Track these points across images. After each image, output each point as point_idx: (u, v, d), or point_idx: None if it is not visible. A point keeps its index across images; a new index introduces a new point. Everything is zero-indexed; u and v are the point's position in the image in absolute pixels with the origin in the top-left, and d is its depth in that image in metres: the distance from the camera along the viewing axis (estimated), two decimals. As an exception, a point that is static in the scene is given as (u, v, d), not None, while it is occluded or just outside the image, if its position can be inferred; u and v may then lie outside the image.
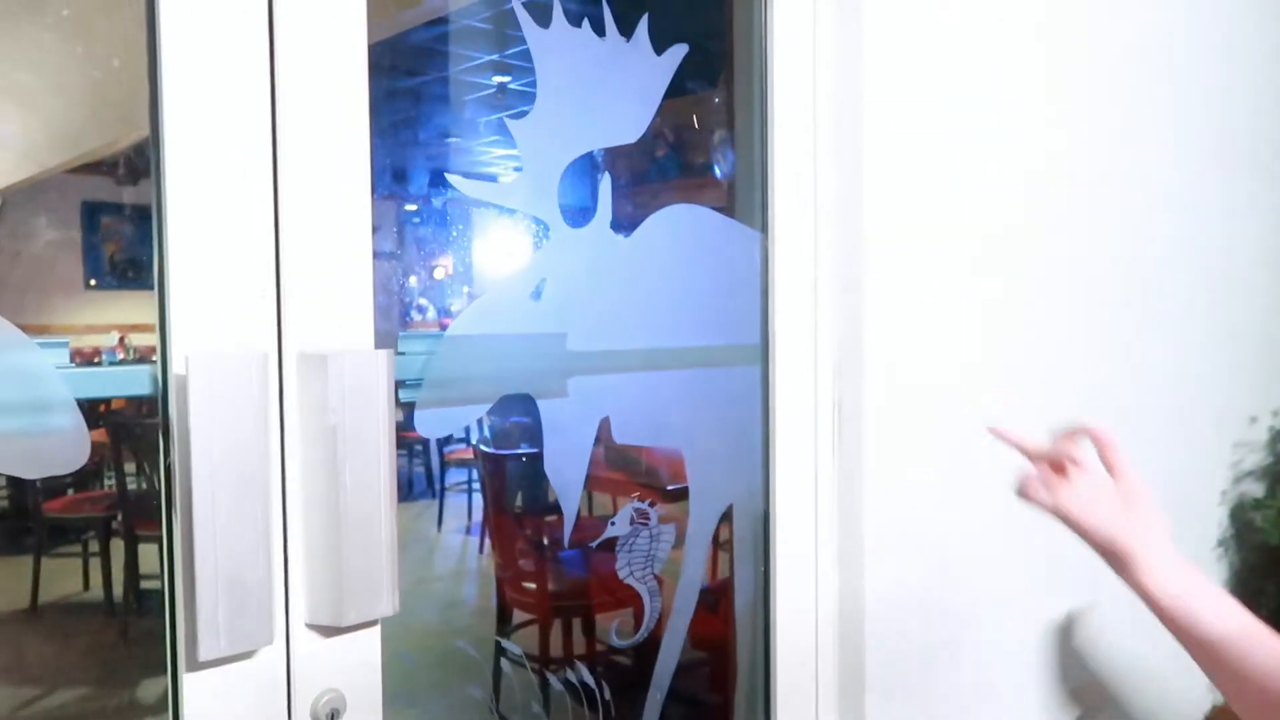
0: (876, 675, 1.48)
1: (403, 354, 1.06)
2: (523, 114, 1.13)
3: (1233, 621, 0.88)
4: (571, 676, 1.33)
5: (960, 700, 1.66)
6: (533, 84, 1.14)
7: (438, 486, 2.40)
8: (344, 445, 0.92)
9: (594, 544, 1.29)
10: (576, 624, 1.48)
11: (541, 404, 1.16)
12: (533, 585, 1.60)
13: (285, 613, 0.94)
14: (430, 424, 1.09)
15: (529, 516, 1.64)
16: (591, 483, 1.25)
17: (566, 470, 1.20)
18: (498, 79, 1.25)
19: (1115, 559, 0.94)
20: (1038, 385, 1.80)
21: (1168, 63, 2.05)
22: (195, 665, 0.88)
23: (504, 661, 1.48)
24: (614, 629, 1.34)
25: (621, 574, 1.30)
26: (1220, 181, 2.22)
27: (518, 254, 1.14)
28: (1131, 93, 1.98)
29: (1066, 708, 1.95)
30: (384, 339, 1.00)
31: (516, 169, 1.13)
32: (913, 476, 1.53)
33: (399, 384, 1.00)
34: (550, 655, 1.55)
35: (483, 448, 1.66)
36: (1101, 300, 1.95)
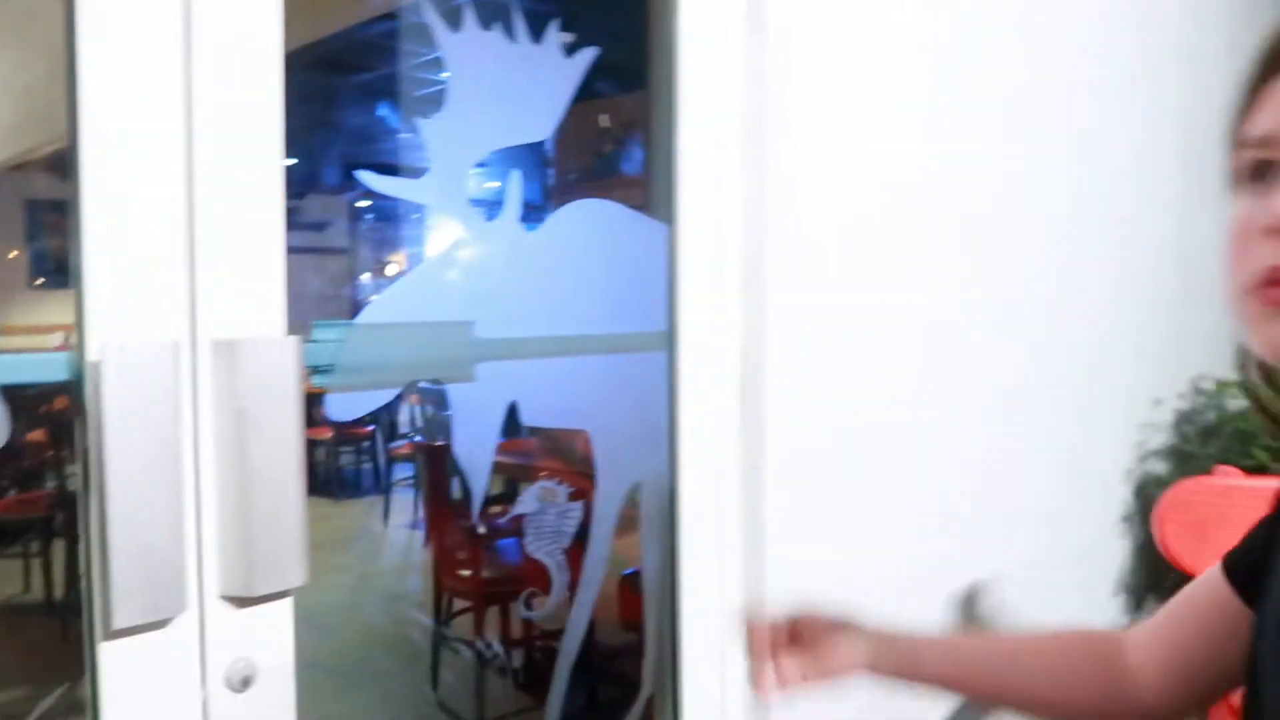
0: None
1: (316, 341, 1.12)
2: (433, 113, 1.19)
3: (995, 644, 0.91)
4: (491, 649, 1.41)
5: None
6: (444, 84, 1.20)
7: (384, 482, 2.46)
8: (253, 427, 0.98)
9: (501, 521, 1.36)
10: (499, 602, 1.56)
11: (450, 389, 1.23)
12: (462, 569, 1.67)
13: (199, 584, 1.00)
14: (340, 407, 1.16)
15: (458, 503, 1.71)
16: (506, 466, 1.32)
17: (474, 452, 1.27)
18: (413, 80, 1.31)
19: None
20: (943, 370, 1.89)
21: (1077, 56, 2.14)
22: (110, 634, 0.94)
23: (443, 644, 1.56)
24: (521, 601, 1.42)
25: (530, 550, 1.38)
26: (1129, 172, 2.33)
27: (427, 246, 1.21)
28: (1040, 86, 2.07)
29: (969, 674, 2.06)
30: (298, 327, 1.06)
31: (427, 166, 1.19)
32: (815, 457, 1.62)
33: (312, 370, 1.07)
34: (475, 632, 1.62)
35: (417, 439, 1.73)
36: (1009, 288, 2.04)
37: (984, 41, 1.92)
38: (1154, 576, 2.57)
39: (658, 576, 1.52)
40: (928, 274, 1.82)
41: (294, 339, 1.01)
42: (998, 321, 2.04)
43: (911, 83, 1.74)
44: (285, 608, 1.06)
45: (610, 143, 1.55)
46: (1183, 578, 2.50)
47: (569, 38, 1.40)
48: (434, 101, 1.18)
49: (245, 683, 1.03)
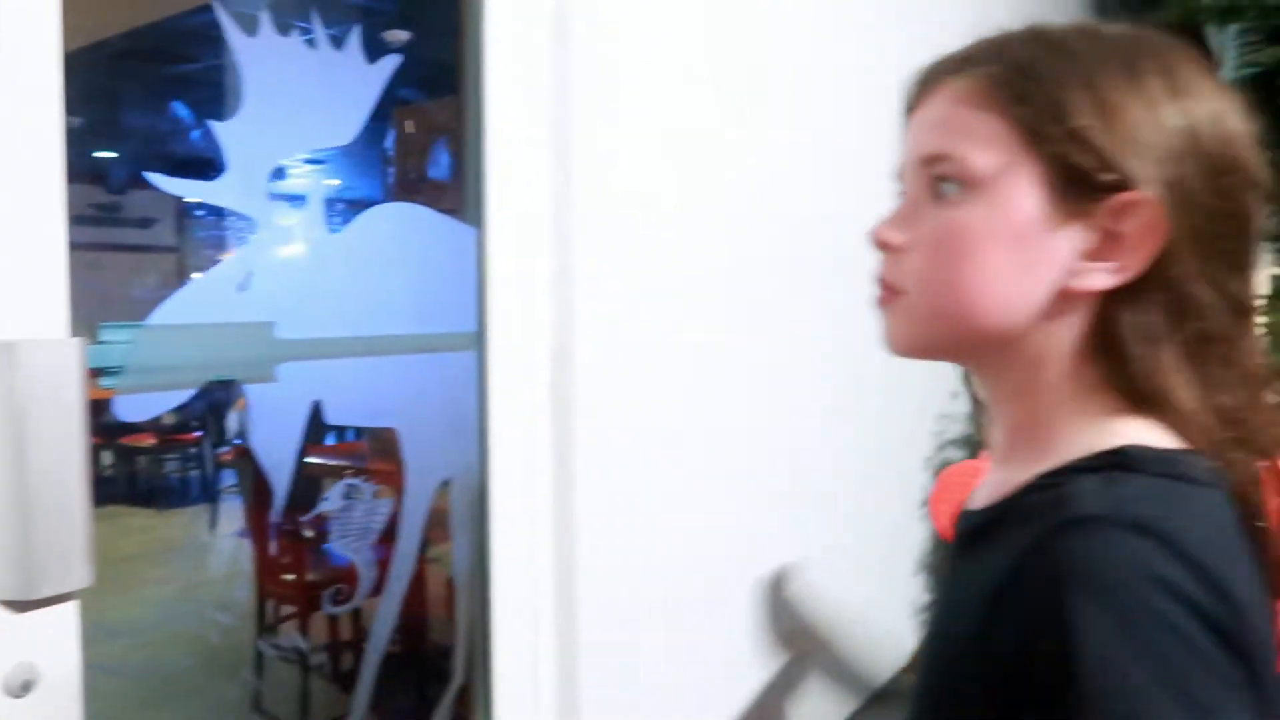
0: (592, 632, 1.63)
1: (104, 343, 1.11)
2: (228, 117, 1.19)
3: None
4: (307, 653, 1.40)
5: (674, 654, 1.84)
6: (241, 89, 1.21)
7: (212, 490, 2.38)
8: (33, 429, 0.97)
9: (305, 518, 1.37)
10: (299, 598, 1.56)
11: (250, 389, 1.23)
12: (285, 573, 1.65)
13: (-24, 590, 0.98)
14: (130, 409, 1.15)
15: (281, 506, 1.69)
16: (324, 467, 1.33)
17: (276, 451, 1.28)
18: (214, 81, 1.30)
19: None
20: (750, 364, 2.00)
21: (873, 61, 2.28)
22: (-123, 642, 0.91)
23: (266, 651, 1.54)
24: (327, 597, 1.43)
25: (336, 546, 1.39)
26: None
27: (224, 247, 1.21)
28: (825, 94, 2.20)
29: (779, 652, 2.18)
30: (84, 328, 1.05)
31: (222, 170, 1.19)
32: (625, 452, 1.68)
33: (100, 371, 1.05)
34: (274, 628, 1.61)
35: (236, 442, 1.70)
36: (814, 284, 2.17)
37: (784, 51, 2.03)
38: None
39: (469, 570, 1.55)
40: (734, 271, 1.92)
41: (77, 340, 1.00)
42: (804, 316, 2.16)
43: (712, 89, 1.83)
44: (69, 612, 1.05)
45: (419, 148, 1.58)
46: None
47: (396, 39, 1.42)
48: (197, 106, 1.19)
49: (26, 687, 1.01)
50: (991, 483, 0.68)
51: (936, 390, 2.72)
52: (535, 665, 1.59)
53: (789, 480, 2.19)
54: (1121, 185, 0.58)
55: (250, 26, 1.22)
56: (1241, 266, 0.62)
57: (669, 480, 1.80)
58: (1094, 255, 0.60)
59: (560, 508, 1.60)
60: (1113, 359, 0.60)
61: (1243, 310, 0.62)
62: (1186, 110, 0.60)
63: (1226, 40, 3.44)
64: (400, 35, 1.55)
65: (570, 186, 1.56)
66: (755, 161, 1.96)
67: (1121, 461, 0.57)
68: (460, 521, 1.54)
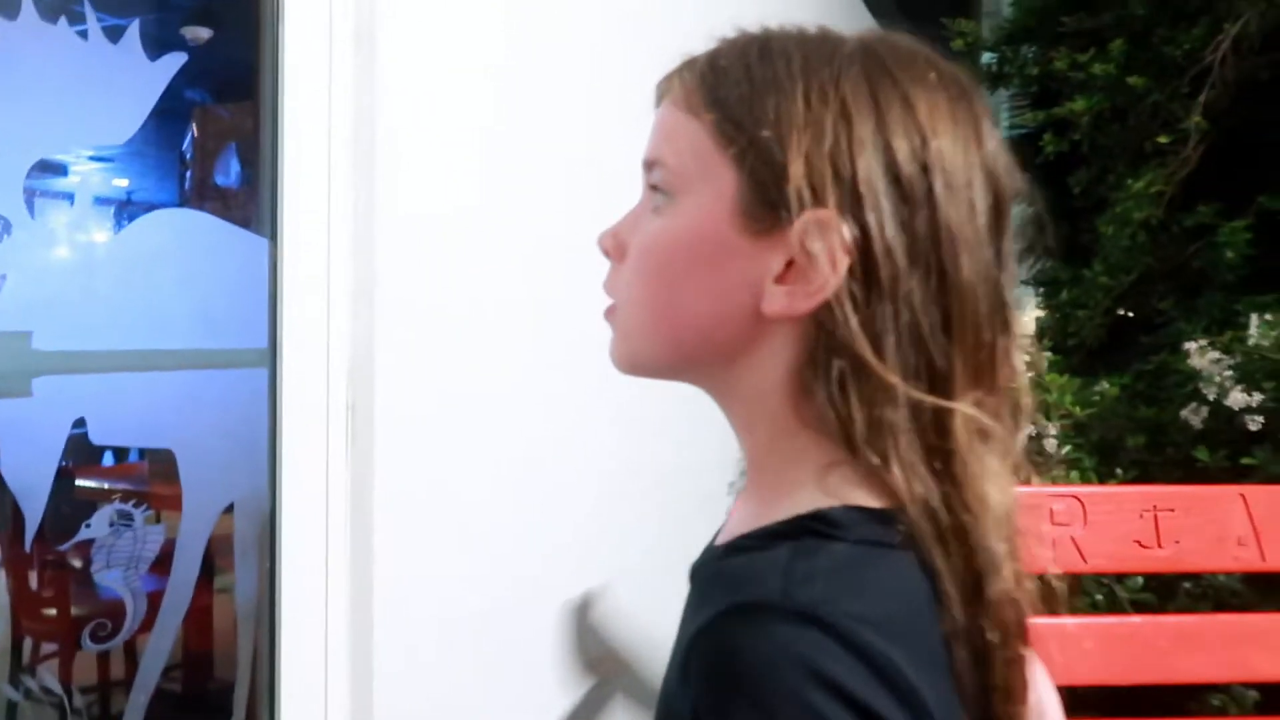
0: (388, 666, 1.55)
1: None
2: (-21, 104, 1.07)
3: None
4: (47, 687, 1.26)
5: (478, 691, 1.77)
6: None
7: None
8: None
9: (64, 547, 1.23)
10: (59, 635, 1.40)
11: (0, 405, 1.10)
12: (46, 608, 1.49)
13: None
14: None
15: (42, 534, 1.52)
16: (72, 488, 1.20)
17: (30, 473, 1.15)
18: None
19: None
20: (557, 384, 1.96)
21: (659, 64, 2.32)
22: None
23: (20, 692, 1.37)
24: (87, 634, 1.29)
25: (98, 578, 1.26)
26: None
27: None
28: (631, 90, 2.22)
29: (584, 677, 2.14)
30: None
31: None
32: (427, 474, 1.62)
33: None
34: (62, 678, 1.45)
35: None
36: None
37: (584, 51, 2.03)
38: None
39: (254, 601, 1.44)
40: (541, 287, 1.88)
41: None
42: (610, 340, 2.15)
43: (516, 92, 1.80)
44: None
45: (210, 153, 1.48)
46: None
47: (195, 36, 1.32)
48: None
49: None
50: (732, 518, 0.65)
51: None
52: (326, 704, 1.49)
53: (594, 501, 2.17)
54: (812, 204, 0.53)
55: (10, 8, 1.10)
56: (945, 318, 0.54)
57: (474, 503, 1.74)
58: (783, 278, 0.55)
59: (357, 533, 1.51)
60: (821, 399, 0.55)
61: (937, 373, 0.54)
62: (893, 133, 0.53)
63: (997, 102, 3.71)
64: (198, 33, 1.45)
65: (372, 194, 1.49)
66: (561, 166, 1.94)
67: (818, 527, 0.53)
68: (245, 549, 1.43)
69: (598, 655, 2.16)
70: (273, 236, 1.41)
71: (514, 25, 1.80)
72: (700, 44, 0.64)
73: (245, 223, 1.41)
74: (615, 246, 0.64)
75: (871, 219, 0.53)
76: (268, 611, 1.43)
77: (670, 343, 0.60)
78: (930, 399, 0.53)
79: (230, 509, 1.41)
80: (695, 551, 2.11)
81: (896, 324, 0.53)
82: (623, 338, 0.64)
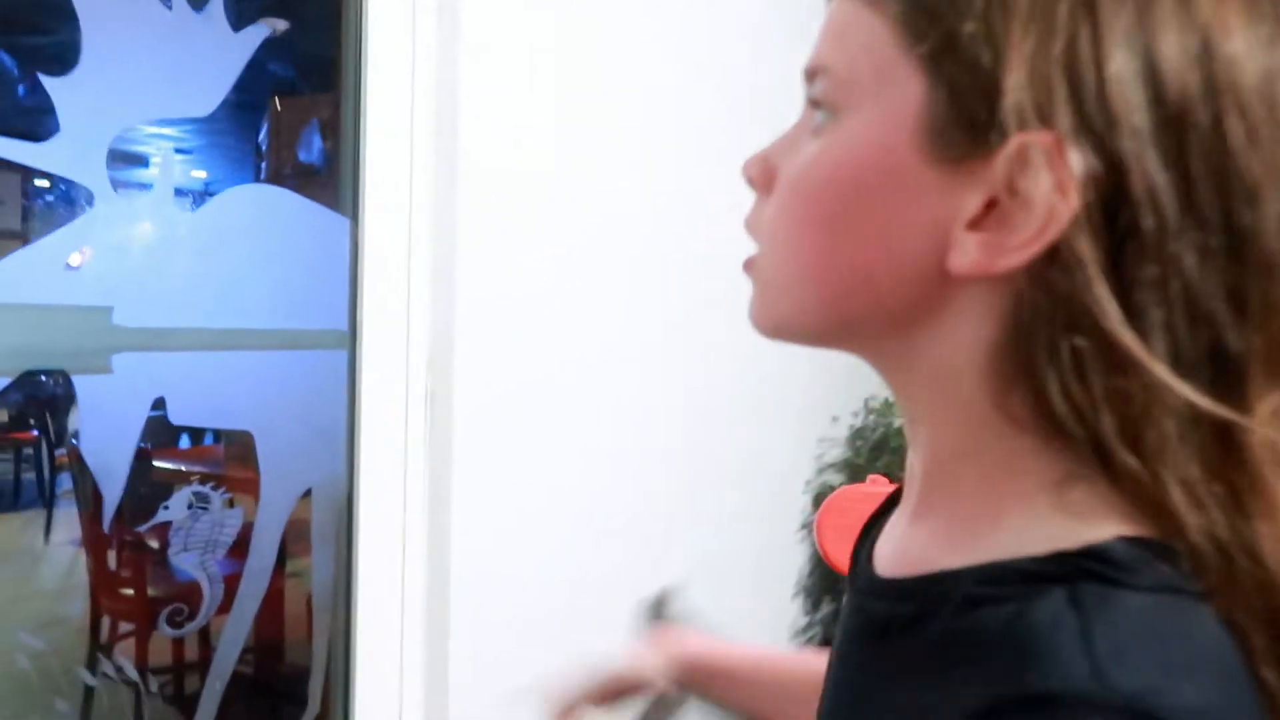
0: (463, 660, 1.49)
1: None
2: (64, 73, 1.03)
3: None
4: (122, 669, 1.23)
5: (554, 679, 1.71)
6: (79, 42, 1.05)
7: (47, 494, 2.14)
8: None
9: (142, 528, 1.20)
10: (136, 616, 1.37)
11: (80, 381, 1.07)
12: (124, 588, 1.46)
13: None
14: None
15: (120, 514, 1.50)
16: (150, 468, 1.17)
17: (109, 452, 1.11)
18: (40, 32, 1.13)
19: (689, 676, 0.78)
20: (633, 378, 1.90)
21: (747, 72, 2.23)
22: None
23: (100, 674, 1.34)
24: (163, 618, 1.25)
25: (175, 560, 1.22)
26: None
27: (52, 219, 1.04)
28: (714, 94, 2.13)
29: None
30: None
31: (55, 131, 1.03)
32: (503, 463, 1.56)
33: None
34: (138, 659, 1.42)
35: (73, 443, 1.51)
36: (697, 301, 2.08)
37: (670, 24, 1.96)
38: (830, 580, 2.72)
39: (330, 587, 1.40)
40: (620, 275, 1.82)
41: None
42: (688, 334, 2.07)
43: (610, 84, 1.74)
44: None
45: (292, 131, 1.44)
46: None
47: (273, 25, 1.28)
48: (64, 59, 1.03)
49: None
50: (902, 538, 0.50)
51: (817, 412, 2.68)
52: (401, 693, 1.44)
53: (668, 498, 2.10)
54: (1037, 123, 0.38)
55: (96, -25, 1.06)
56: (1234, 293, 0.38)
57: (552, 493, 1.68)
58: (979, 224, 0.40)
59: (435, 521, 1.46)
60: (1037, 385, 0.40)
61: (1224, 368, 0.38)
62: (1159, 29, 0.38)
63: None
64: (278, 23, 1.41)
65: (454, 178, 1.44)
66: (643, 149, 1.87)
67: (1096, 569, 0.38)
68: (322, 534, 1.38)
69: (672, 653, 2.08)
70: (354, 216, 1.37)
71: (599, 21, 1.73)
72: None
73: (327, 202, 1.36)
74: (763, 174, 0.49)
75: (1127, 148, 0.37)
76: (344, 599, 1.39)
77: (825, 303, 0.45)
78: (1214, 407, 0.38)
79: (308, 494, 1.37)
80: (772, 549, 1.97)
81: (1164, 296, 0.38)
82: (765, 293, 0.48)
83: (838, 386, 2.73)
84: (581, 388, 1.74)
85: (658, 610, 2.06)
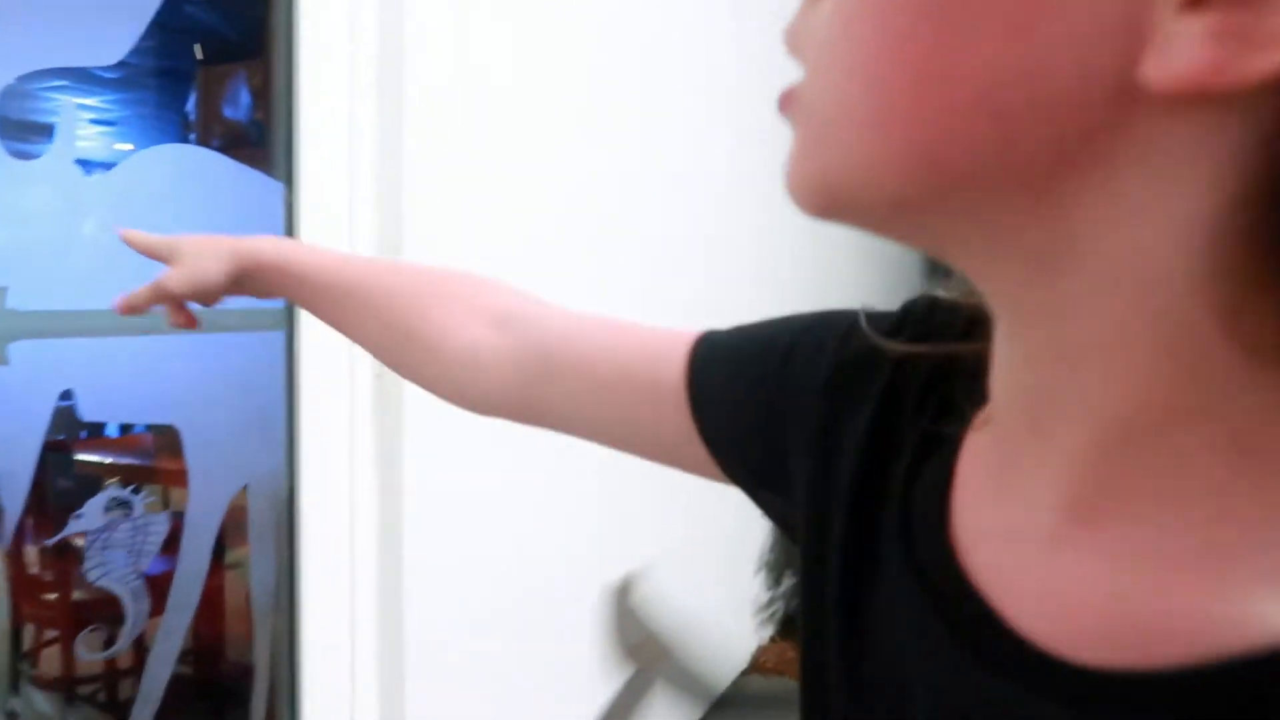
0: (418, 654, 1.37)
1: None
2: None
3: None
4: (45, 677, 1.08)
5: (512, 675, 1.60)
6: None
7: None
8: None
9: (50, 542, 1.05)
10: (59, 624, 1.22)
11: (-31, 373, 0.91)
12: (46, 592, 1.30)
13: None
14: None
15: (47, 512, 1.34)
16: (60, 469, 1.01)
17: (8, 452, 0.95)
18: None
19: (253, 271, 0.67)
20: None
21: (704, 52, 2.10)
22: None
23: (21, 684, 1.19)
24: (80, 643, 1.10)
25: (92, 576, 1.07)
26: (768, 175, 2.33)
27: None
28: (667, 74, 2.00)
29: (624, 664, 1.97)
30: None
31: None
32: (459, 447, 1.43)
33: None
34: (63, 669, 1.27)
35: None
36: (654, 276, 1.96)
37: (620, 37, 1.82)
38: (790, 554, 2.64)
39: (271, 594, 1.26)
40: (575, 249, 1.69)
41: None
42: (647, 307, 1.95)
43: (552, 50, 1.60)
44: None
45: (217, 86, 1.27)
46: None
47: None
48: None
49: None
50: (1063, 573, 0.30)
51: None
52: (353, 693, 1.32)
53: (629, 480, 1.98)
54: None
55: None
56: None
57: (510, 479, 1.56)
58: (1204, 2, 0.22)
59: (386, 513, 1.33)
60: None
61: None
62: None
63: None
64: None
65: (400, 137, 1.29)
66: (598, 121, 1.74)
67: None
68: (261, 531, 1.24)
69: (636, 641, 1.98)
70: (289, 180, 1.21)
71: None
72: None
73: (258, 165, 1.20)
74: None
75: None
76: (288, 599, 1.25)
77: (922, 148, 0.27)
78: None
79: (244, 490, 1.22)
80: (733, 528, 1.83)
81: None
82: (819, 141, 0.30)
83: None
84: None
85: (623, 596, 1.95)
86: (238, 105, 1.23)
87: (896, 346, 0.39)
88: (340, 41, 1.24)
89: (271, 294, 0.70)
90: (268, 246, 0.68)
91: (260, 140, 1.22)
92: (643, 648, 1.97)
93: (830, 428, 0.42)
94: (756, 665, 2.49)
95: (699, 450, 0.48)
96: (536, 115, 1.56)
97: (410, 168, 1.30)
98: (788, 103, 0.31)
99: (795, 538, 0.44)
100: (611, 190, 1.79)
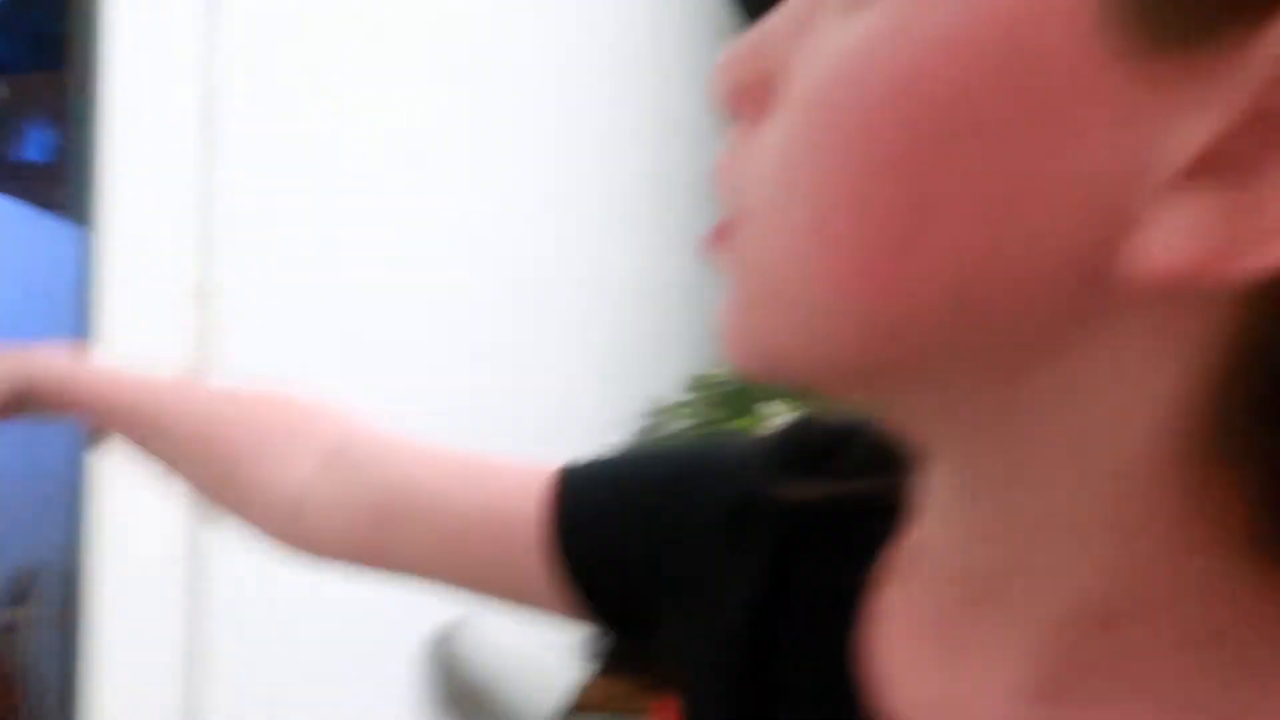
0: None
1: None
2: None
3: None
4: None
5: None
6: None
7: None
8: None
9: None
10: None
11: None
12: None
13: None
14: None
15: None
16: None
17: None
18: None
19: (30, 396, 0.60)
20: (406, 389, 1.68)
21: (547, 61, 2.04)
22: None
23: None
24: None
25: None
26: (602, 190, 2.29)
27: None
28: (510, 94, 1.94)
29: (448, 713, 1.90)
30: None
31: None
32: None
33: None
34: None
35: None
36: (479, 300, 1.89)
37: (445, 41, 1.76)
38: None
39: (57, 702, 1.10)
40: (397, 289, 1.61)
41: None
42: (470, 334, 1.88)
43: (372, 78, 1.53)
44: None
45: (8, 124, 1.12)
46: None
47: None
48: None
49: None
50: None
51: (603, 416, 2.55)
52: None
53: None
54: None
55: None
56: None
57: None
58: (1202, 177, 0.20)
59: (194, 600, 1.20)
60: None
61: None
62: None
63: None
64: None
65: (214, 173, 1.18)
66: (447, 169, 1.68)
67: None
68: (45, 631, 1.08)
69: (459, 691, 1.91)
70: (86, 223, 1.07)
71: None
72: None
73: (50, 206, 1.05)
74: (756, 80, 0.26)
75: None
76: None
77: (884, 325, 0.24)
78: None
79: (27, 578, 1.06)
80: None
81: None
82: (765, 304, 0.26)
83: (622, 390, 2.61)
84: (354, 395, 1.51)
85: (444, 646, 1.86)
86: (33, 146, 1.09)
87: (792, 491, 0.36)
88: (153, 77, 1.11)
89: (59, 416, 0.62)
90: (44, 364, 0.61)
91: (53, 178, 1.07)
92: (466, 698, 1.90)
93: (712, 576, 0.39)
94: (582, 703, 2.45)
95: (559, 593, 0.45)
96: (371, 135, 1.48)
97: (227, 203, 1.19)
98: (720, 243, 0.28)
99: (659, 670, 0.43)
100: (440, 223, 1.72)
